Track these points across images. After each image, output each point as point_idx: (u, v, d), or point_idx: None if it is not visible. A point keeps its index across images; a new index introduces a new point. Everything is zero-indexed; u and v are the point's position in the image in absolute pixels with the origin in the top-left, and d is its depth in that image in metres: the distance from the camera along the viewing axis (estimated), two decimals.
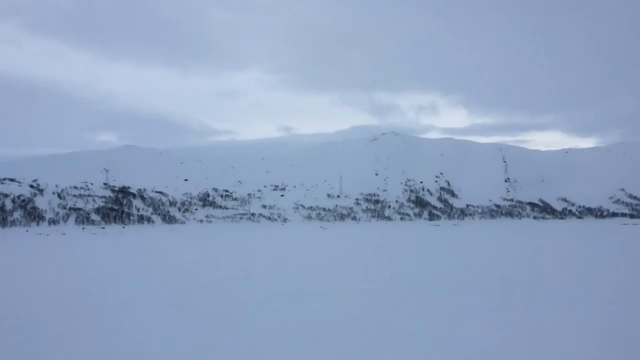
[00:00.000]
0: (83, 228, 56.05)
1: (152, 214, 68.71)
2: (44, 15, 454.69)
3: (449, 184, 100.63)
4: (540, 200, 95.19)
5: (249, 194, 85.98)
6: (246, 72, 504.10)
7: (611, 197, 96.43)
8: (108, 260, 25.31)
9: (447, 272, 19.57)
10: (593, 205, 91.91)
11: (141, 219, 65.91)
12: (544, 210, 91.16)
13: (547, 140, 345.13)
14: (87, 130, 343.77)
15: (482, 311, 12.11)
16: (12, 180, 66.74)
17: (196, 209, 74.77)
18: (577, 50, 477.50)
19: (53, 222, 57.95)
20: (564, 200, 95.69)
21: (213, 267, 22.43)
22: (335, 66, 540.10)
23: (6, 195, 60.02)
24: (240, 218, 73.25)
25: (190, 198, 78.64)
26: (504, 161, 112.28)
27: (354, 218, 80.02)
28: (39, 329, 10.55)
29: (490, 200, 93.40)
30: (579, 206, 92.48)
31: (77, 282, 17.13)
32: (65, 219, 59.61)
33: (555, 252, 30.41)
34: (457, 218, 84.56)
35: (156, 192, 77.07)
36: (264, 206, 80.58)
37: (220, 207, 78.02)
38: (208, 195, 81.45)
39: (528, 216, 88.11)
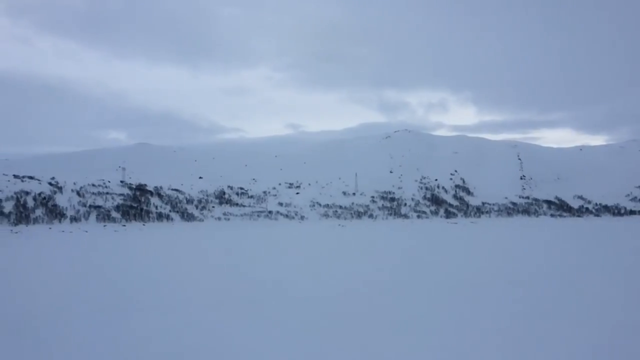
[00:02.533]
0: (104, 225, 56.10)
1: (170, 211, 68.71)
2: (55, 14, 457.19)
3: (464, 181, 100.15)
4: (557, 197, 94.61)
5: (264, 192, 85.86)
6: (255, 70, 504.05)
7: (628, 195, 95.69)
8: (137, 258, 25.19)
9: (500, 269, 19.31)
10: (610, 203, 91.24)
11: (160, 216, 65.91)
12: (561, 208, 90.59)
13: (558, 137, 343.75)
14: (97, 128, 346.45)
15: (558, 308, 11.86)
16: (31, 178, 66.88)
17: (213, 207, 74.73)
18: (587, 47, 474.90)
19: (74, 219, 58.01)
20: (581, 197, 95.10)
21: (243, 266, 22.08)
22: (343, 63, 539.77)
23: (27, 193, 60.17)
24: (258, 216, 73.14)
25: (207, 196, 78.60)
26: (519, 159, 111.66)
27: (371, 216, 79.74)
28: (53, 328, 10.22)
29: (506, 198, 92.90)
30: (596, 204, 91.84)
31: (109, 280, 16.96)
32: (86, 216, 59.68)
33: (596, 249, 30.04)
34: (474, 216, 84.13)
35: (173, 189, 77.04)
36: (280, 204, 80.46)
37: (237, 204, 77.94)
38: (224, 193, 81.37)
39: (545, 214, 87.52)
